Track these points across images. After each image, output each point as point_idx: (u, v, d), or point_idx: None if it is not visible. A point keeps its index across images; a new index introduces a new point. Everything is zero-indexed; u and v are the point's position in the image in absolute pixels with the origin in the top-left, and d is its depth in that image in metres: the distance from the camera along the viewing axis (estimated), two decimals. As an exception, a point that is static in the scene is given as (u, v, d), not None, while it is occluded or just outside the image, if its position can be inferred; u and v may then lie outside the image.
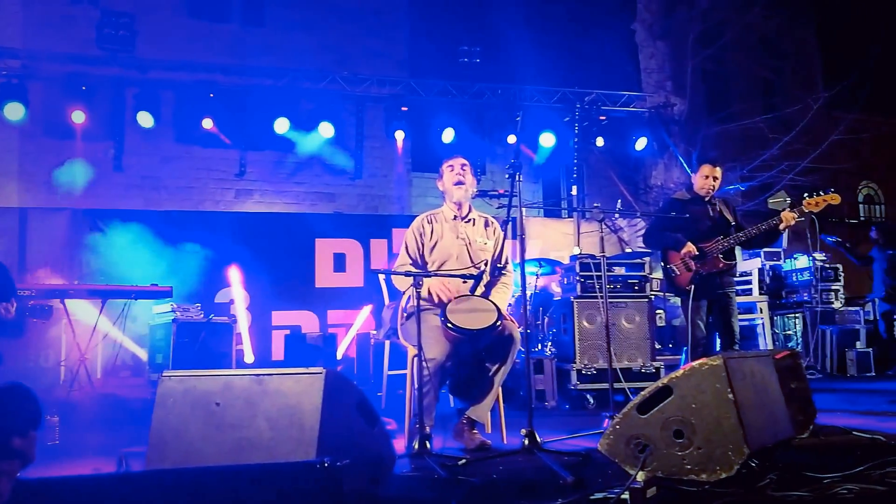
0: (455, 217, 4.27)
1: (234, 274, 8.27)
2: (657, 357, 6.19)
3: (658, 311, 7.49)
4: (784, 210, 4.98)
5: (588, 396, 5.93)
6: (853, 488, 2.44)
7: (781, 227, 4.98)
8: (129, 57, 8.65)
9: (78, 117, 8.40)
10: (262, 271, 8.61)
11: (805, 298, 8.97)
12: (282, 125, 8.98)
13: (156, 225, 8.36)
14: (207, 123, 8.84)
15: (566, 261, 6.90)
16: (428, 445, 3.42)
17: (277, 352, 8.68)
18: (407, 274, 3.83)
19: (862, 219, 21.81)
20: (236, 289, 8.32)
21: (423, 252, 4.18)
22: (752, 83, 14.69)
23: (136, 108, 8.68)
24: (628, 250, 7.78)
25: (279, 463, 1.92)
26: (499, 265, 4.26)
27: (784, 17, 14.69)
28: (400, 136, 9.62)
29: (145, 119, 8.66)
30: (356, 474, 2.21)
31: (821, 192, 4.90)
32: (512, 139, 9.77)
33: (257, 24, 11.57)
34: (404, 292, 4.12)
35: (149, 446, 2.40)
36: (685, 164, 9.92)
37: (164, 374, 2.47)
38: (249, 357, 8.15)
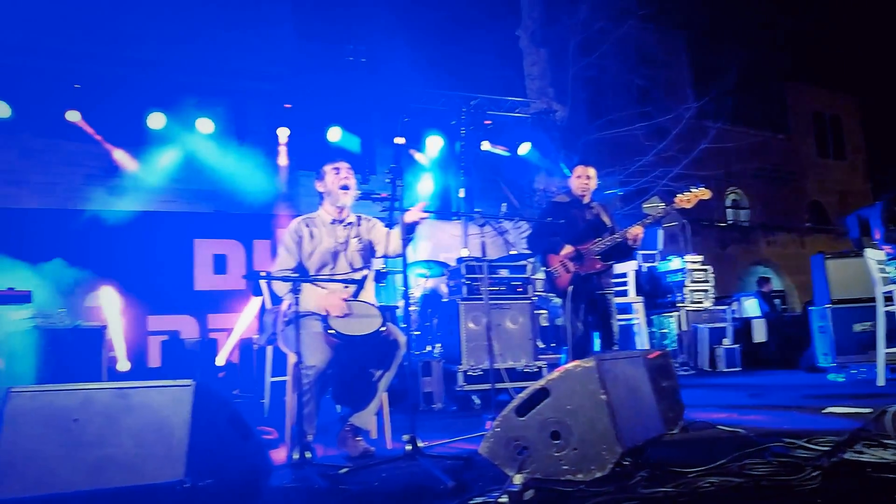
0: (333, 221, 4.19)
1: (107, 278, 7.85)
2: (540, 357, 6.33)
3: (541, 312, 7.65)
4: (636, 224, 5.13)
5: (474, 397, 5.98)
6: (714, 481, 2.56)
7: (630, 242, 5.15)
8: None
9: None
10: (137, 274, 8.21)
11: (679, 298, 9.44)
12: (157, 120, 8.56)
13: (16, 224, 7.82)
14: (73, 116, 8.30)
15: (455, 262, 6.95)
16: (309, 455, 3.33)
17: (154, 359, 8.30)
18: (286, 279, 3.72)
19: (729, 222, 23.23)
20: (108, 293, 7.89)
21: (301, 257, 4.08)
22: (628, 92, 15.35)
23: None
24: (513, 252, 7.91)
25: (135, 486, 1.80)
26: (389, 256, 4.18)
27: (657, 29, 15.43)
28: (284, 133, 9.41)
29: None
30: (222, 492, 2.11)
31: (692, 189, 5.09)
32: (399, 140, 9.75)
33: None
34: (284, 297, 4.00)
35: (-6, 471, 2.20)
36: (566, 169, 10.21)
37: (11, 390, 2.26)
38: (123, 365, 7.76)
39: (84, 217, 8.39)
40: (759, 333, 9.99)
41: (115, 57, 8.58)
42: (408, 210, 3.69)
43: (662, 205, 5.34)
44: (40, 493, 2.06)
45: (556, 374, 2.88)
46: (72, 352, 5.98)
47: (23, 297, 5.89)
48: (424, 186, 10.23)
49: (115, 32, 9.01)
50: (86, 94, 8.24)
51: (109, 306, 7.86)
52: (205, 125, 8.81)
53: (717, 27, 17.03)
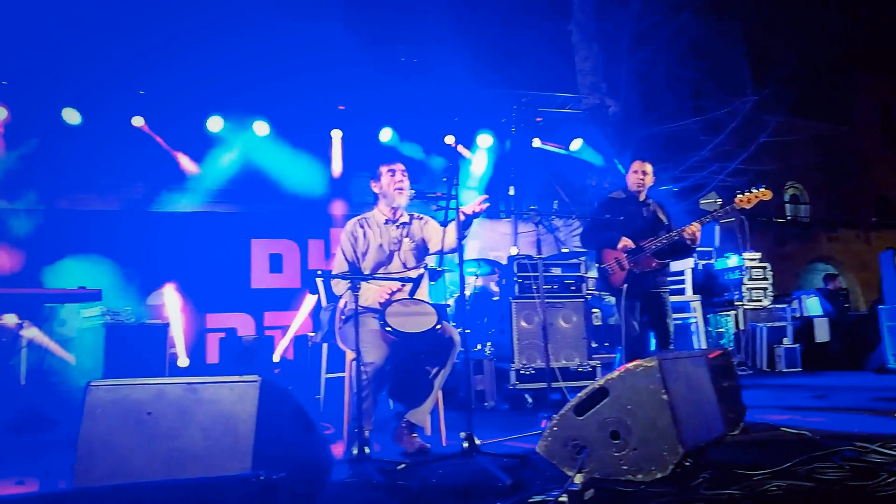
0: (387, 221, 4.26)
1: (168, 277, 8.07)
2: (594, 356, 6.28)
3: (594, 311, 7.59)
4: (693, 223, 5.04)
5: (527, 396, 5.97)
6: (782, 484, 2.50)
7: (687, 241, 5.06)
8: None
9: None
10: (196, 273, 8.42)
11: (736, 297, 9.25)
12: (215, 123, 8.78)
13: (86, 225, 8.10)
14: (137, 121, 8.58)
15: (504, 261, 6.95)
16: (367, 450, 3.38)
17: (212, 355, 8.49)
18: (345, 277, 3.79)
19: (788, 217, 22.65)
20: (169, 291, 8.10)
21: (357, 256, 4.16)
22: (683, 85, 15.11)
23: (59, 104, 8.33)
24: (565, 250, 7.86)
25: (214, 477, 1.86)
26: (444, 251, 4.19)
27: (712, 22, 15.12)
28: (337, 134, 9.54)
29: (71, 116, 8.32)
30: (292, 485, 2.17)
31: (752, 189, 4.98)
32: (449, 139, 9.78)
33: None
34: (341, 296, 4.08)
35: (76, 460, 2.29)
36: (619, 165, 10.09)
37: (91, 384, 2.36)
38: (183, 361, 7.95)
39: (148, 218, 8.65)
40: (822, 333, 9.70)
41: (175, 64, 8.81)
42: (466, 205, 3.74)
43: (720, 202, 5.25)
44: (119, 482, 2.15)
45: (615, 373, 2.86)
46: (137, 348, 6.17)
47: (93, 296, 6.09)
48: (475, 174, 10.22)
49: (176, 40, 9.26)
50: (149, 101, 8.52)
51: (171, 304, 8.08)
52: (261, 128, 9.00)
53: (776, 17, 16.56)
